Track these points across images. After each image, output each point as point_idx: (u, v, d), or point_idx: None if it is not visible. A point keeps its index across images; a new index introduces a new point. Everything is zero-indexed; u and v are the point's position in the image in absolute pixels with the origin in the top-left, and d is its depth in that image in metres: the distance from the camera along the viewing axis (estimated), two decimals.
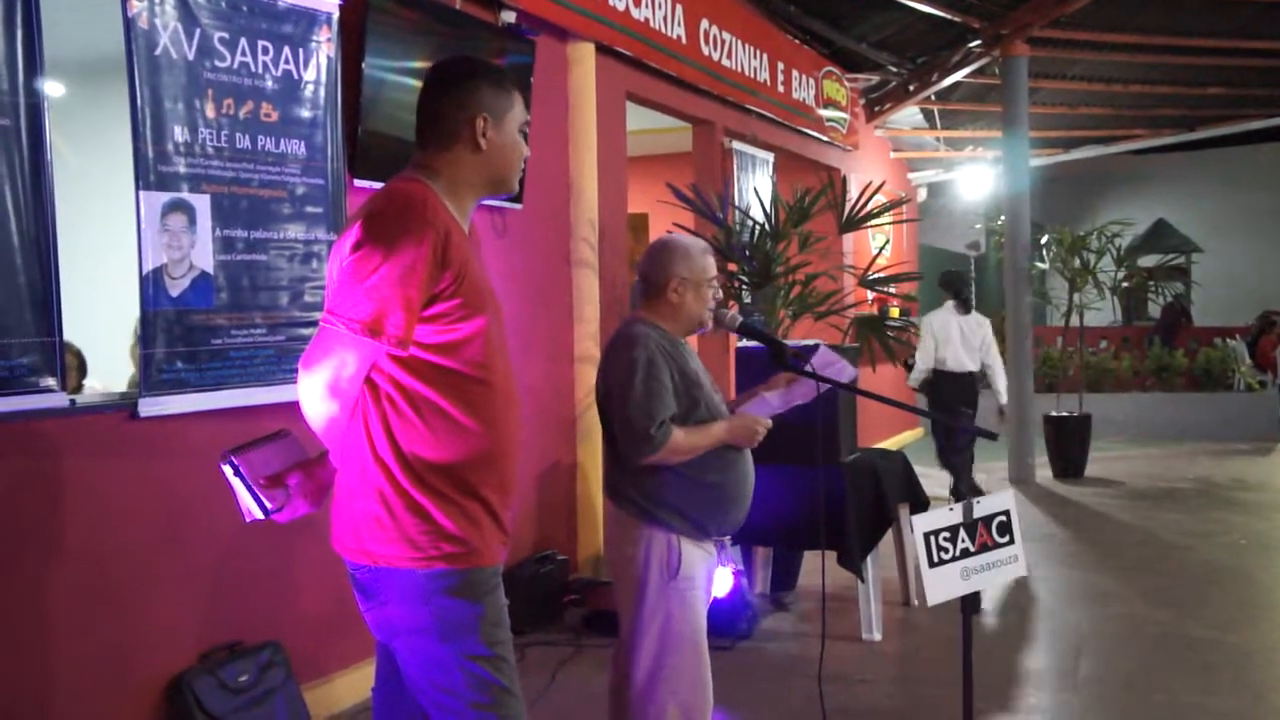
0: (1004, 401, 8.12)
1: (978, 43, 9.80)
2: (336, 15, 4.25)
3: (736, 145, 8.24)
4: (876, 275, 7.24)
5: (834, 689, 4.10)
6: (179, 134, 3.64)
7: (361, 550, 2.15)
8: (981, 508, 2.85)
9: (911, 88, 10.85)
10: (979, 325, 7.95)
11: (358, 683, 4.21)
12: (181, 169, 3.66)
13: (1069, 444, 9.91)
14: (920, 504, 5.40)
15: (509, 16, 5.38)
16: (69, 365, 3.43)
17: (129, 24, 3.49)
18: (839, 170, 10.01)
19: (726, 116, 8.15)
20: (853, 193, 7.55)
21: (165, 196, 3.61)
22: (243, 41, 3.88)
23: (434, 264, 2.07)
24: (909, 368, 7.81)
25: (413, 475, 2.12)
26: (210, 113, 3.76)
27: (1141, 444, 12.14)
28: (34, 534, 3.27)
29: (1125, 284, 10.81)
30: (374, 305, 2.04)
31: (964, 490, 7.08)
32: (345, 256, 2.08)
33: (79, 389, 4.53)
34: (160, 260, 3.59)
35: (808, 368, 2.98)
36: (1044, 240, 10.64)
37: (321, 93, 4.20)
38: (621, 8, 6.43)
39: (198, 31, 3.71)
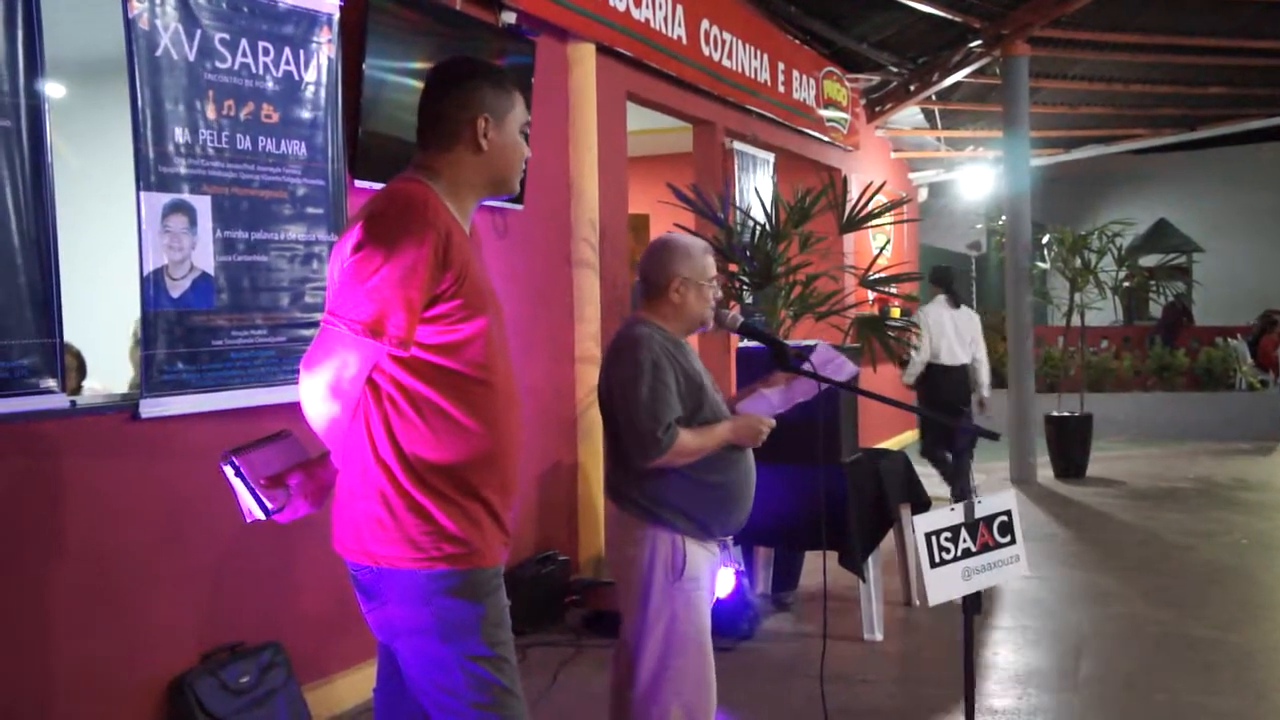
0: (986, 395, 8.36)
1: (978, 43, 9.79)
2: (337, 16, 4.25)
3: (737, 145, 8.24)
4: (877, 275, 7.24)
5: (835, 689, 4.10)
6: (180, 135, 3.64)
7: (363, 551, 2.15)
8: (983, 508, 2.85)
9: (912, 88, 10.84)
10: (969, 319, 8.28)
11: (359, 683, 4.20)
12: (182, 170, 3.66)
13: (1070, 444, 9.91)
14: (922, 504, 5.40)
15: (509, 17, 5.38)
16: (68, 366, 3.42)
17: (129, 25, 3.49)
18: (840, 170, 10.00)
19: (727, 117, 8.15)
20: (853, 193, 7.55)
21: (166, 197, 3.61)
22: (243, 42, 3.88)
23: (435, 265, 2.07)
24: (903, 364, 7.87)
25: (414, 476, 2.12)
26: (211, 114, 3.76)
27: (1143, 444, 12.13)
28: (35, 535, 3.27)
29: (1126, 284, 10.80)
30: (375, 306, 2.04)
31: (962, 490, 7.09)
32: (346, 257, 2.09)
33: (78, 390, 4.53)
34: (161, 261, 3.59)
35: (806, 367, 2.98)
36: (1045, 240, 10.62)
37: (322, 94, 4.20)
38: (622, 8, 6.42)
39: (198, 32, 3.71)
